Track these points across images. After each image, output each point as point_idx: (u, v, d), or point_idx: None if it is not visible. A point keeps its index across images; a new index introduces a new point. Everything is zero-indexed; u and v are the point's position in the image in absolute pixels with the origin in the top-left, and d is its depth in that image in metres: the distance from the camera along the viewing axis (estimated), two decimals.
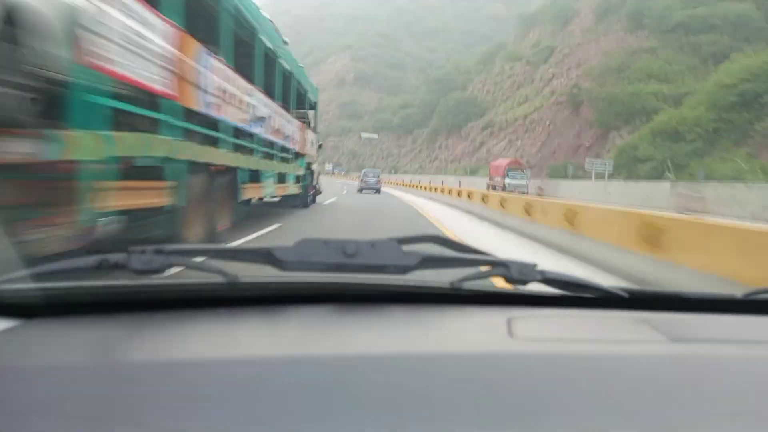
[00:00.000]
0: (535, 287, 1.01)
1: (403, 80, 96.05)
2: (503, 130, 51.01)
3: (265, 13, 9.37)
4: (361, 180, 30.36)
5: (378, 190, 29.34)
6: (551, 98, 45.62)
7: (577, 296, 1.04)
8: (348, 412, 0.57)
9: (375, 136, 75.29)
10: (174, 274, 0.99)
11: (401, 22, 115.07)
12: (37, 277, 0.85)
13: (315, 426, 0.55)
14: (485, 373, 0.69)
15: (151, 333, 0.81)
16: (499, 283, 1.04)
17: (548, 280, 0.99)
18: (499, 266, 0.97)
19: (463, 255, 1.04)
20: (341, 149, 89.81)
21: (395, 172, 65.92)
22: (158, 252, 0.85)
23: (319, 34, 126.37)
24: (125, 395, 0.61)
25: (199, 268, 0.88)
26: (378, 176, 30.97)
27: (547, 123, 43.43)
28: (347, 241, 0.92)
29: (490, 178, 34.65)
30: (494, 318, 0.94)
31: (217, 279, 0.88)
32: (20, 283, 0.86)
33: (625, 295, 1.03)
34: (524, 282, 0.96)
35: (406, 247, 0.95)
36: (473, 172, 47.60)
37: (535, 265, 0.97)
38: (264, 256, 0.90)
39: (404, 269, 0.93)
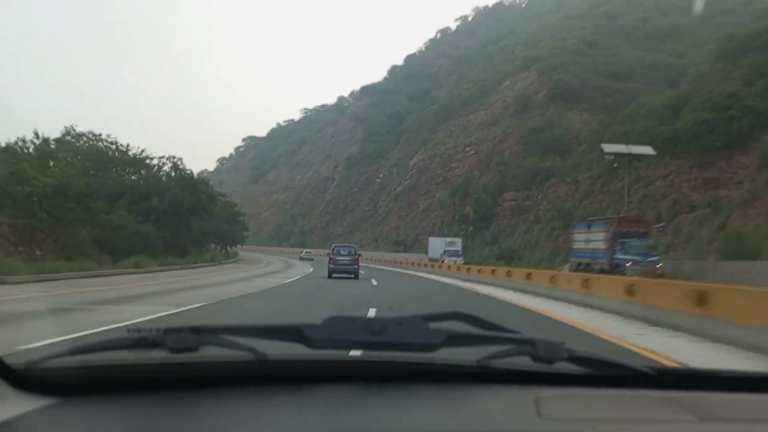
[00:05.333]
0: (563, 366, 1.00)
1: (636, 93, 53.50)
2: None
3: None
4: (331, 258, 21.56)
5: (355, 275, 20.79)
6: None
7: (605, 375, 1.02)
8: None
9: (649, 149, 31.29)
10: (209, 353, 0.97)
11: (614, 28, 74.47)
12: (76, 353, 0.90)
13: None
14: None
15: (183, 412, 0.87)
16: (527, 361, 1.00)
17: (575, 358, 0.98)
18: (526, 344, 0.97)
19: (490, 333, 1.03)
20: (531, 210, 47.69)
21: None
22: (193, 331, 0.90)
23: (487, 69, 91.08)
24: None
25: (230, 346, 0.92)
26: (354, 253, 21.61)
27: None
28: (374, 319, 0.95)
29: None
30: (522, 398, 0.94)
31: (248, 356, 0.92)
32: (59, 358, 0.90)
33: (653, 373, 1.02)
34: (551, 361, 0.96)
35: (433, 325, 0.96)
36: None
37: (562, 344, 0.97)
38: (293, 334, 0.93)
39: (430, 347, 0.95)
